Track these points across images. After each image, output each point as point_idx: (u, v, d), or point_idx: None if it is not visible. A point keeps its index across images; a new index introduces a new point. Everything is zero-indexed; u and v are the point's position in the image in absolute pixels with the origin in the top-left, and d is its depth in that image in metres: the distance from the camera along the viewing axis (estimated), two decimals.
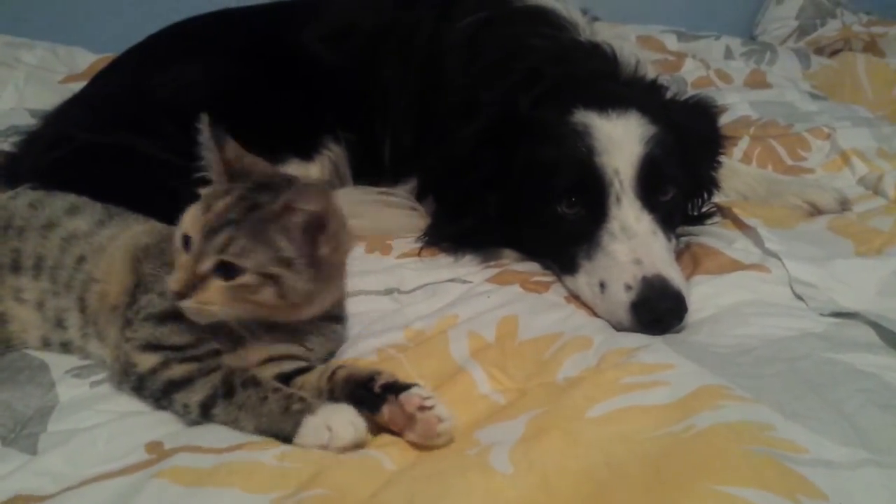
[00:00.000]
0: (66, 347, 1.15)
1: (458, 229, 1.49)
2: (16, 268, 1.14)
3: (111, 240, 1.16)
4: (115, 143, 1.52)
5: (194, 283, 0.97)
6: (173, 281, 0.97)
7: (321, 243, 1.00)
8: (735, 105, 2.25)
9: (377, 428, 0.98)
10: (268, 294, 0.98)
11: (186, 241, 0.98)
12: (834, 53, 2.86)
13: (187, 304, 0.98)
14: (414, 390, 0.96)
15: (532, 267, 1.44)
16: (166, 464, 0.89)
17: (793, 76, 2.61)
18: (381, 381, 0.98)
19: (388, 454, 0.93)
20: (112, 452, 0.94)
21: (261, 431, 0.97)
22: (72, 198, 1.25)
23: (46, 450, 0.96)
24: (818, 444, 0.88)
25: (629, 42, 1.80)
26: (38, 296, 1.13)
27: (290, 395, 0.98)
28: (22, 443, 0.97)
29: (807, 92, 2.43)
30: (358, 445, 0.94)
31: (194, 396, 0.99)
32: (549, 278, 1.40)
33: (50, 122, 1.73)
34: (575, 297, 1.35)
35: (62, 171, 1.48)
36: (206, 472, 0.88)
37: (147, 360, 1.02)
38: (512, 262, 1.47)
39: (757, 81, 2.51)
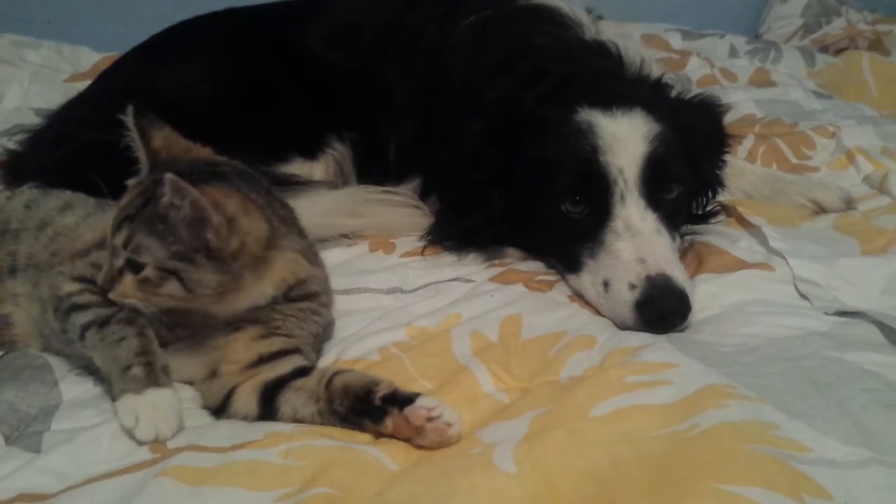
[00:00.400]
0: (58, 351, 1.14)
1: (461, 228, 1.49)
2: (12, 271, 1.15)
3: (90, 227, 1.17)
4: (119, 142, 1.52)
5: (112, 278, 1.00)
6: (100, 275, 1.01)
7: (211, 236, 0.98)
8: (740, 103, 2.24)
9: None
10: (172, 287, 0.99)
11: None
12: (839, 52, 2.85)
13: (111, 297, 1.01)
14: (419, 402, 0.95)
15: (535, 266, 1.45)
16: (170, 462, 0.89)
17: (798, 74, 2.60)
18: (379, 392, 0.97)
19: (390, 454, 0.93)
20: (116, 451, 0.94)
21: (105, 374, 1.00)
22: (66, 195, 1.25)
23: (50, 448, 0.96)
24: (822, 443, 0.88)
25: (634, 40, 1.80)
26: (27, 298, 1.14)
27: (144, 354, 0.99)
28: (26, 441, 0.97)
29: (812, 90, 2.42)
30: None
31: (81, 318, 1.02)
32: (552, 277, 1.40)
33: (54, 121, 1.74)
34: (578, 296, 1.35)
35: (67, 169, 1.48)
36: (209, 470, 0.88)
37: (71, 286, 1.05)
38: (515, 261, 1.47)
39: (762, 80, 2.51)
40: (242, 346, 1.06)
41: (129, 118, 1.05)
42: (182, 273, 0.99)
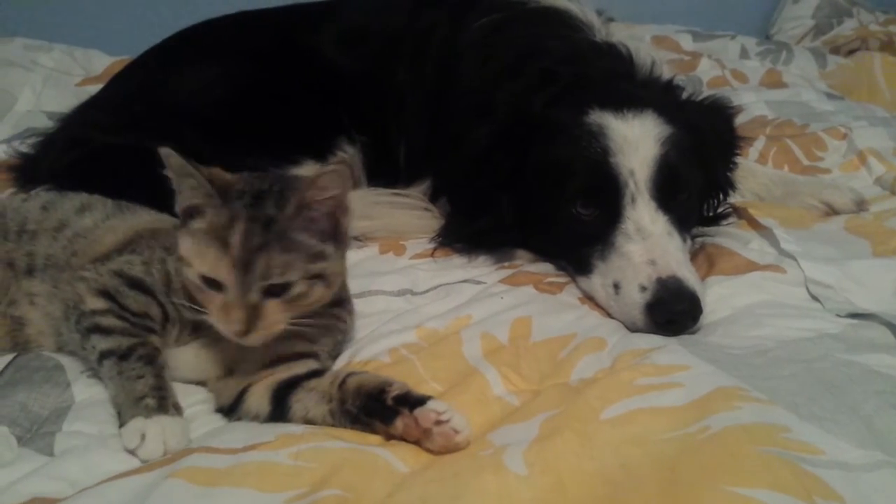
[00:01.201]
0: (73, 351, 1.14)
1: (471, 230, 1.49)
2: (30, 271, 1.15)
3: (110, 229, 1.17)
4: (131, 145, 1.53)
5: (249, 317, 0.97)
6: (233, 323, 0.97)
7: (343, 219, 1.02)
8: (751, 105, 2.24)
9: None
10: (319, 291, 1.01)
11: (209, 282, 0.98)
12: (850, 53, 2.85)
13: (254, 339, 0.99)
14: (429, 405, 0.95)
15: (546, 268, 1.45)
16: (181, 464, 0.89)
17: (809, 76, 2.59)
18: (392, 392, 0.98)
19: (400, 456, 0.93)
20: (127, 453, 0.95)
21: (114, 403, 1.01)
22: (84, 197, 1.25)
23: (62, 450, 0.96)
24: (834, 445, 0.88)
25: (644, 42, 1.79)
26: (45, 299, 1.14)
27: (159, 390, 0.99)
28: (38, 443, 0.97)
29: (823, 91, 2.42)
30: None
31: (102, 344, 1.02)
32: (562, 279, 1.40)
33: (67, 125, 1.75)
34: (589, 298, 1.35)
35: (79, 172, 1.49)
36: (220, 472, 0.89)
37: (95, 303, 1.05)
38: (525, 263, 1.47)
39: (773, 81, 2.50)
40: (262, 346, 1.06)
41: (172, 157, 1.00)
42: (325, 271, 1.01)
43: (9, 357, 1.13)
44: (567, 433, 0.93)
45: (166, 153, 0.99)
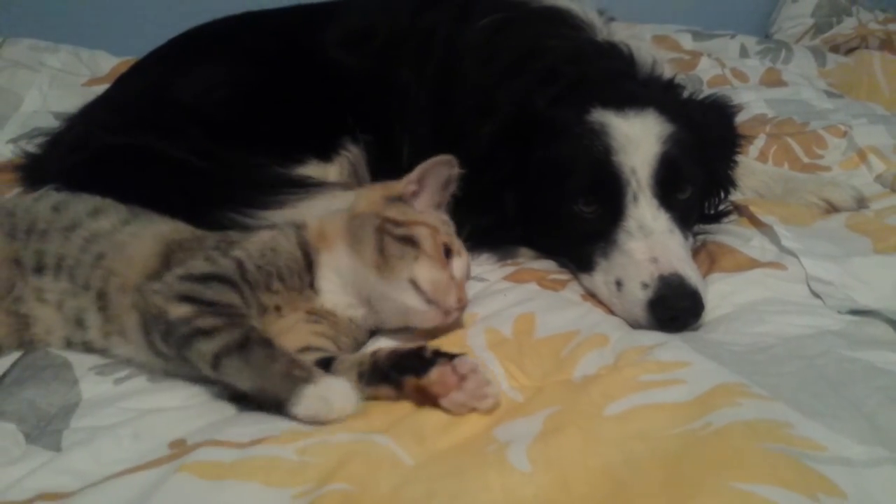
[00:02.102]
0: (88, 347, 1.16)
1: (474, 228, 1.49)
2: (39, 269, 1.16)
3: (133, 236, 1.19)
4: (137, 145, 1.54)
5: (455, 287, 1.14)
6: (455, 298, 1.12)
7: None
8: (751, 103, 2.24)
9: (392, 423, 0.99)
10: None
11: (448, 252, 1.16)
12: (850, 51, 2.85)
13: (456, 316, 1.14)
14: (466, 357, 1.01)
15: (548, 265, 1.45)
16: (189, 458, 0.90)
17: (809, 74, 2.60)
18: (430, 350, 1.03)
19: (406, 447, 0.94)
20: (135, 449, 0.96)
21: (258, 391, 1.00)
22: (96, 200, 1.26)
23: (70, 447, 0.97)
24: (837, 442, 0.88)
25: (645, 42, 1.80)
26: (59, 296, 1.15)
27: (295, 362, 1.00)
28: (46, 440, 0.98)
29: (823, 90, 2.42)
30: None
31: (211, 346, 1.01)
32: (565, 276, 1.41)
33: (73, 124, 1.75)
34: (591, 296, 1.35)
35: (85, 172, 1.50)
36: (227, 465, 0.89)
37: (179, 310, 1.04)
38: (528, 261, 1.47)
39: (772, 79, 2.51)
40: (301, 335, 1.10)
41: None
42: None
43: (16, 355, 1.14)
44: (570, 429, 0.93)
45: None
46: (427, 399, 1.00)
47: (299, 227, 1.22)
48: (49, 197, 1.27)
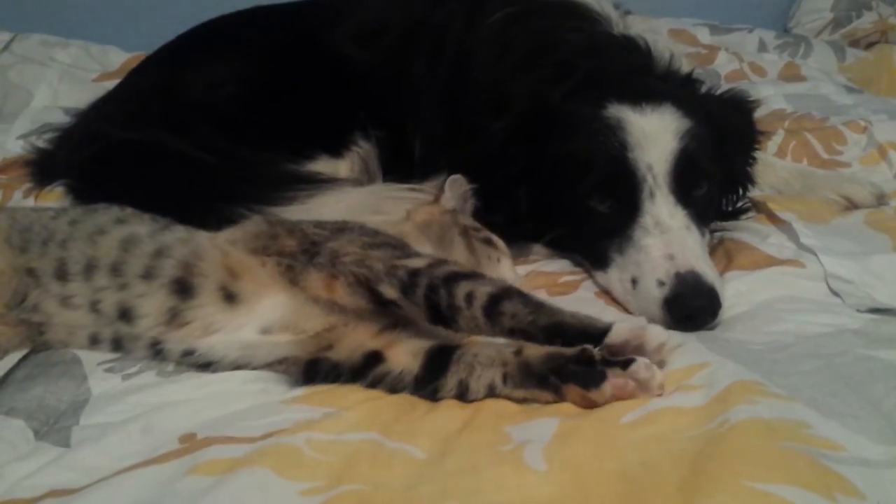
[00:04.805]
0: (118, 342, 1.14)
1: (487, 224, 1.48)
2: (61, 276, 1.15)
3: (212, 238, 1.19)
4: (147, 141, 1.54)
5: None
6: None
7: None
8: (769, 98, 2.22)
9: (406, 423, 0.98)
10: None
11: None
12: (870, 46, 2.83)
13: None
14: (639, 361, 0.96)
15: (560, 266, 1.45)
16: (200, 457, 0.90)
17: (828, 69, 2.58)
18: (595, 354, 0.98)
19: (417, 443, 0.93)
20: (145, 444, 0.95)
21: (559, 328, 1.00)
22: (114, 210, 1.26)
23: (79, 443, 0.97)
24: (855, 441, 0.87)
25: (662, 36, 1.78)
26: (92, 296, 1.13)
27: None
28: (55, 436, 0.98)
29: (842, 85, 2.40)
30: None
31: (483, 288, 1.01)
32: (577, 277, 1.40)
33: (83, 120, 1.76)
34: (606, 293, 1.34)
35: (95, 167, 1.50)
36: (238, 460, 0.89)
37: (415, 262, 1.06)
38: (541, 258, 1.47)
39: (791, 74, 2.49)
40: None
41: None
42: None
43: (22, 351, 1.14)
44: (587, 431, 0.92)
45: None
46: (592, 405, 0.97)
47: None
48: (66, 214, 1.26)
